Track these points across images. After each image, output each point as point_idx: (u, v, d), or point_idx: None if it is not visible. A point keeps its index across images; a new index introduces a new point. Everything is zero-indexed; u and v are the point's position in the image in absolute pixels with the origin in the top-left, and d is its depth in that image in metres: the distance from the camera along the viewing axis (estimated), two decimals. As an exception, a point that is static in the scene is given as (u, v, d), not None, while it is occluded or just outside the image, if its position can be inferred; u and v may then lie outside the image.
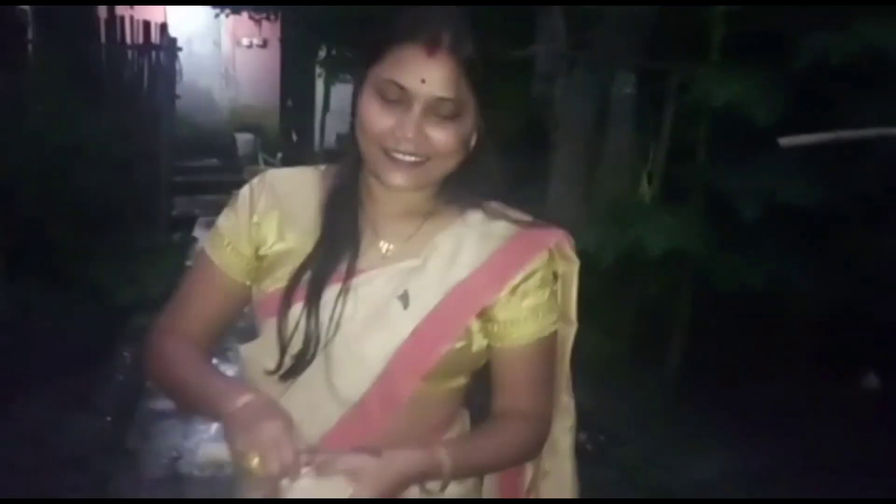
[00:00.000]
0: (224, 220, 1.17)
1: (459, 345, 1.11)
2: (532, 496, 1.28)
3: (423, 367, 1.10)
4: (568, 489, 1.28)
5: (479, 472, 1.19)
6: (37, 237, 4.51)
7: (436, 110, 1.03)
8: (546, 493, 1.28)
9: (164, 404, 3.55)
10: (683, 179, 3.49)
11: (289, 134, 10.01)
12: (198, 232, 6.70)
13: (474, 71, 1.03)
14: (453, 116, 1.04)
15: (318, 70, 8.13)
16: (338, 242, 1.11)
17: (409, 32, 1.02)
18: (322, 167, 1.20)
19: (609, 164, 3.77)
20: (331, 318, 1.08)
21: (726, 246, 3.29)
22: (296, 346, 1.09)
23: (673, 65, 3.49)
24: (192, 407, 1.12)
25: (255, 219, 1.14)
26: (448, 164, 1.08)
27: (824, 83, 3.02)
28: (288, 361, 1.09)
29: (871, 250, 3.24)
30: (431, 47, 1.01)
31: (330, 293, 1.09)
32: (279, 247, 1.13)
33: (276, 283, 1.12)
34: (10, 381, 3.41)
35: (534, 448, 1.20)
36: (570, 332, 1.22)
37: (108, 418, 3.32)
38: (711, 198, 3.37)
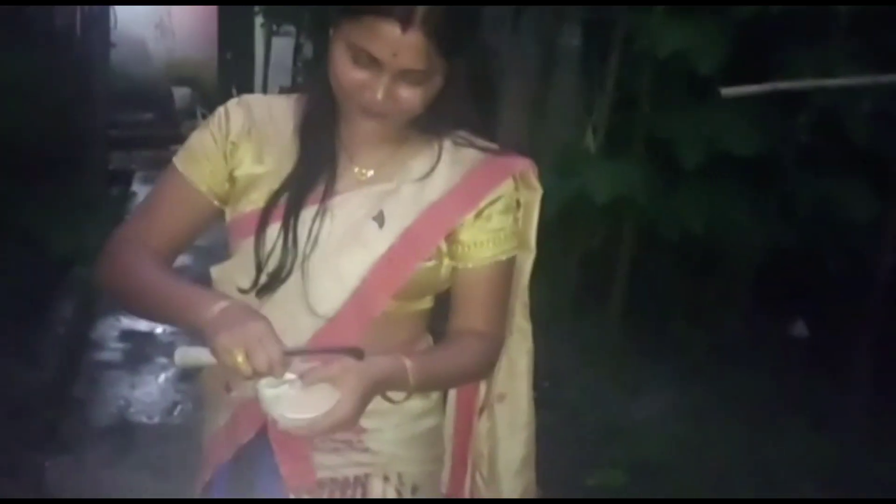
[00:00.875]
0: (197, 138, 1.19)
1: (430, 264, 1.16)
2: (485, 416, 1.32)
3: (396, 284, 1.14)
4: (524, 410, 1.33)
5: (439, 386, 1.24)
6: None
7: (405, 78, 1.06)
8: (503, 415, 1.33)
9: (110, 355, 3.52)
10: (627, 129, 3.55)
11: (228, 88, 9.74)
12: (136, 187, 6.55)
13: (446, 44, 1.05)
14: (424, 80, 1.07)
15: (258, 21, 7.94)
16: (314, 165, 1.14)
17: (385, 4, 1.02)
18: (294, 95, 1.22)
19: (554, 114, 3.81)
20: (308, 237, 1.12)
21: (669, 193, 3.38)
22: (272, 263, 1.12)
23: (618, 15, 3.53)
24: (156, 315, 1.15)
25: (232, 138, 1.16)
26: (416, 110, 1.11)
27: (765, 34, 3.10)
28: (264, 279, 1.12)
29: (807, 197, 3.37)
30: (405, 23, 1.01)
31: (307, 213, 1.13)
32: (255, 169, 1.16)
33: (252, 204, 1.15)
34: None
35: (487, 365, 1.25)
36: (528, 259, 1.27)
37: (53, 370, 3.26)
38: (655, 147, 3.44)
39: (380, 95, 1.06)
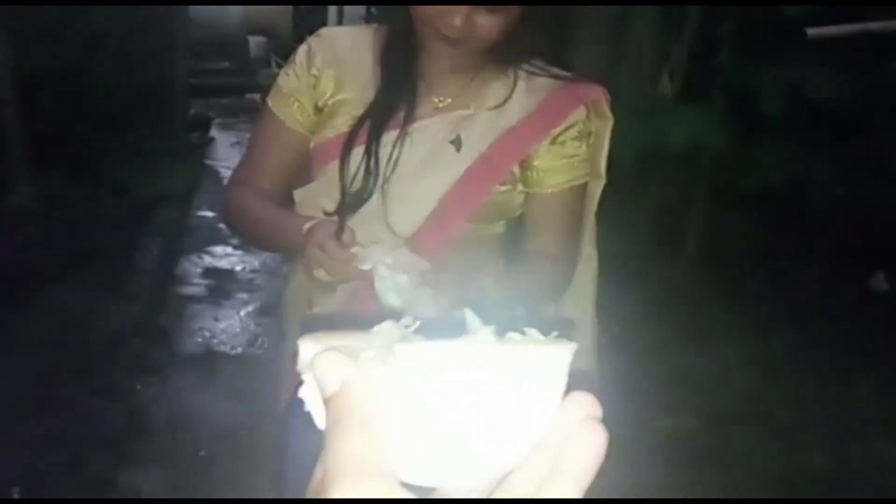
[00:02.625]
0: (284, 78, 1.25)
1: (505, 188, 1.20)
2: None
3: (472, 206, 1.18)
4: (590, 335, 1.37)
5: (522, 301, 1.26)
6: (60, 132, 4.55)
7: (484, 6, 1.08)
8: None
9: (193, 290, 3.68)
10: (706, 75, 3.47)
11: (302, 36, 9.77)
12: (214, 132, 6.72)
13: None
14: (500, 11, 1.09)
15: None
16: (395, 93, 1.18)
17: None
18: (374, 25, 1.26)
19: (631, 59, 3.74)
20: (388, 160, 1.17)
21: (748, 143, 3.31)
22: (356, 185, 1.17)
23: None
24: (269, 246, 1.26)
25: (314, 71, 1.21)
26: (495, 38, 1.13)
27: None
28: (348, 199, 1.18)
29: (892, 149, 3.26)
30: None
31: (388, 138, 1.17)
32: (338, 97, 1.21)
33: (336, 129, 1.20)
34: (42, 268, 3.52)
35: (561, 287, 1.29)
36: (598, 187, 1.30)
37: (142, 304, 3.43)
38: (734, 94, 3.36)
39: (458, 22, 1.08)
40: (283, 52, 9.54)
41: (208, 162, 5.71)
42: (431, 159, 1.18)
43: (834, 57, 3.01)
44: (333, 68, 1.21)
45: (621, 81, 3.78)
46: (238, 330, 3.31)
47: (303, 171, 1.27)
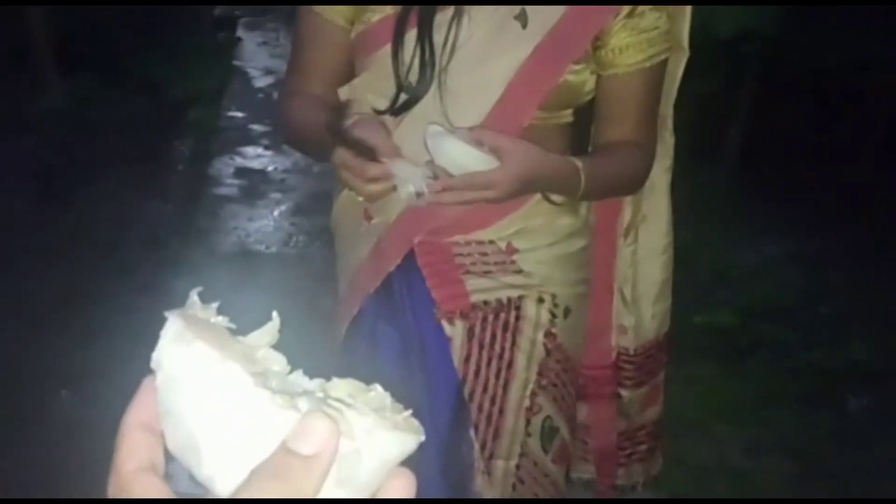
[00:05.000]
0: None
1: (579, 67, 1.07)
2: (630, 238, 1.28)
3: (544, 89, 1.06)
4: (664, 232, 1.29)
5: (605, 192, 1.19)
6: (90, 33, 4.48)
7: None
8: (645, 237, 1.28)
9: (227, 190, 3.66)
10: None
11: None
12: (241, 32, 6.58)
13: None
14: None
15: None
16: None
17: None
18: None
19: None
20: (445, 43, 1.04)
21: (801, 26, 3.13)
22: (411, 75, 1.05)
23: None
24: (321, 152, 1.09)
25: None
26: None
27: None
28: (403, 95, 1.06)
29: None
30: None
31: (443, 16, 1.05)
32: None
33: (381, 12, 1.07)
34: (76, 169, 3.51)
35: (643, 174, 1.19)
36: (681, 61, 1.20)
37: (177, 203, 3.43)
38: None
39: None
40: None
41: (236, 63, 5.61)
42: (494, 40, 1.05)
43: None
44: None
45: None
46: (272, 229, 3.30)
47: (347, 70, 1.17)
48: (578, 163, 1.05)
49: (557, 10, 1.05)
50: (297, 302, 2.15)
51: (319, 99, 1.13)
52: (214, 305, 0.38)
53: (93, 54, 4.44)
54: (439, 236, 1.12)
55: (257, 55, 5.75)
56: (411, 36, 1.05)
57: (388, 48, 1.06)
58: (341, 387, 0.35)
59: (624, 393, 1.33)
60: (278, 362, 0.37)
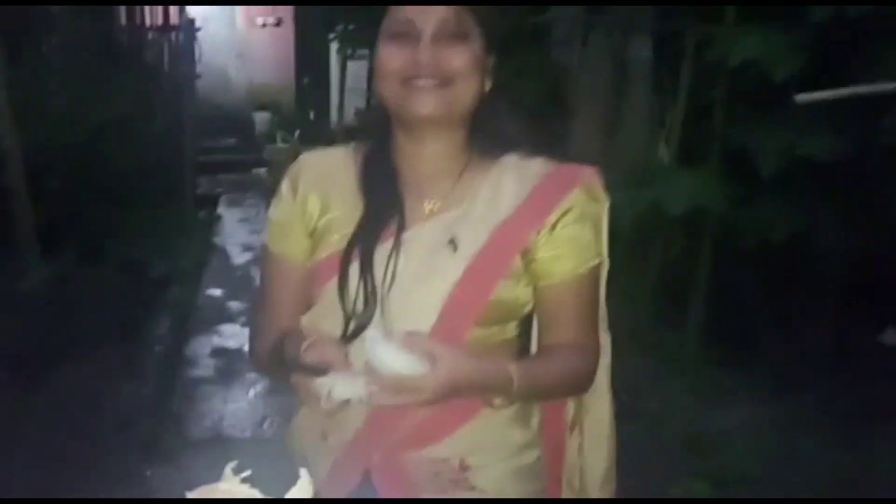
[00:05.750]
0: (273, 212, 1.24)
1: (508, 283, 1.15)
2: (576, 432, 1.32)
3: (477, 307, 1.13)
4: (607, 423, 1.32)
5: (542, 395, 1.22)
6: (71, 213, 4.64)
7: (444, 32, 1.10)
8: (588, 429, 1.31)
9: (203, 371, 3.69)
10: (702, 139, 3.53)
11: (306, 111, 10.06)
12: (222, 209, 6.83)
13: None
14: (462, 36, 1.11)
15: (333, 47, 8.16)
16: (382, 205, 1.16)
17: None
18: (351, 144, 1.26)
19: (627, 127, 3.82)
20: (385, 273, 1.13)
21: (747, 203, 3.34)
22: (358, 304, 1.13)
23: (688, 26, 3.52)
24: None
25: (300, 198, 1.20)
26: (467, 91, 1.13)
27: (839, 38, 3.05)
28: (352, 323, 1.13)
29: (892, 201, 3.28)
30: None
31: (382, 251, 1.14)
32: (326, 217, 1.19)
33: (329, 249, 1.17)
34: (53, 351, 3.55)
35: (586, 378, 1.22)
36: (603, 270, 1.25)
37: (152, 385, 3.45)
38: (730, 155, 3.41)
39: (425, 57, 1.09)
40: (288, 127, 9.79)
41: (216, 239, 5.79)
42: (429, 266, 1.14)
43: (824, 116, 3.07)
44: (317, 190, 1.19)
45: (619, 148, 3.86)
46: (248, 411, 3.31)
47: (311, 299, 1.23)
48: (513, 372, 1.09)
49: (485, 234, 1.14)
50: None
51: (283, 331, 1.20)
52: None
53: (75, 234, 4.59)
54: (394, 454, 1.17)
55: (237, 232, 5.95)
56: (355, 269, 1.14)
57: (335, 281, 1.15)
58: None
59: None
60: None
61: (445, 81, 1.12)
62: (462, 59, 1.12)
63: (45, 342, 3.63)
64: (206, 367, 3.71)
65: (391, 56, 1.12)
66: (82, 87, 5.10)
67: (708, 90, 3.47)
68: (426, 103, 1.12)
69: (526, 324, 1.23)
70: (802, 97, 2.51)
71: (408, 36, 1.11)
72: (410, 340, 1.03)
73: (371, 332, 1.04)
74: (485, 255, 1.14)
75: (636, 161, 3.66)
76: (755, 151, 3.20)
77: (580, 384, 1.24)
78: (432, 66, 1.10)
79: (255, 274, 4.24)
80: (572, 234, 1.16)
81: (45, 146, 4.60)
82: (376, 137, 1.21)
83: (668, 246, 3.72)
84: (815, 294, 3.80)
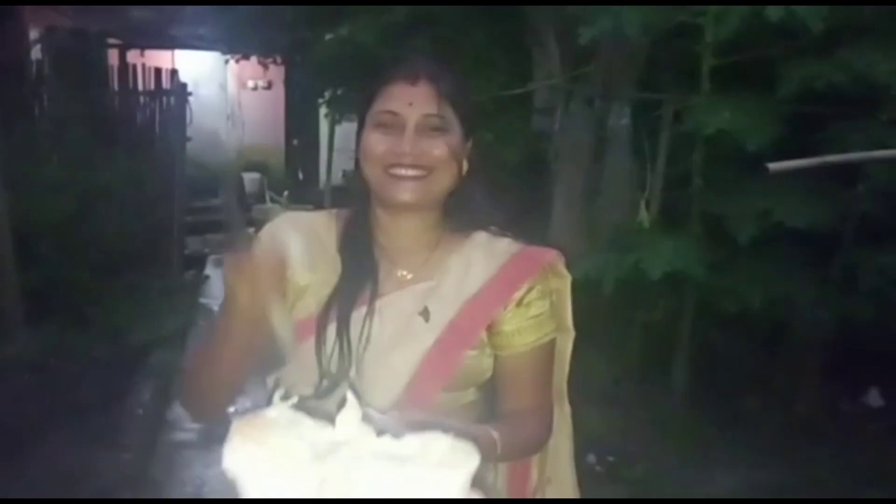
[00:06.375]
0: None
1: (475, 352, 1.24)
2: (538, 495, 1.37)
3: (446, 374, 1.21)
4: (569, 492, 1.39)
5: (515, 456, 1.27)
6: (56, 281, 4.65)
7: (426, 125, 1.19)
8: (552, 496, 1.37)
9: (184, 436, 3.66)
10: (680, 205, 3.60)
11: (295, 172, 10.19)
12: (209, 270, 6.82)
13: (452, 93, 1.22)
14: (442, 129, 1.20)
15: (322, 110, 8.30)
16: (359, 272, 1.24)
17: (394, 72, 1.22)
18: (333, 210, 1.33)
19: (608, 192, 3.90)
20: (360, 336, 1.20)
21: (725, 268, 3.39)
22: (332, 363, 1.20)
23: (666, 95, 3.63)
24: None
25: (274, 258, 1.20)
26: (445, 178, 1.22)
27: (811, 109, 3.15)
28: (326, 381, 1.19)
29: (868, 267, 3.34)
30: (414, 79, 1.20)
31: (358, 315, 1.21)
32: (303, 280, 1.23)
33: (306, 310, 1.23)
34: (35, 420, 3.52)
35: (545, 436, 1.31)
36: (569, 341, 1.35)
37: (133, 451, 3.41)
38: (708, 221, 3.48)
39: (407, 148, 1.18)
40: (277, 187, 9.89)
41: (203, 300, 5.78)
42: (402, 333, 1.21)
43: (800, 184, 3.14)
44: (297, 253, 1.21)
45: (600, 213, 3.93)
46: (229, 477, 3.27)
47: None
48: (496, 436, 1.13)
49: (455, 307, 1.23)
50: None
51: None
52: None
53: (60, 300, 4.59)
54: None
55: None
56: (331, 330, 1.20)
57: (311, 341, 1.20)
58: None
59: None
60: None
61: (426, 171, 1.20)
62: (442, 150, 1.20)
63: (28, 410, 3.60)
64: (187, 431, 3.68)
65: (377, 142, 1.21)
66: (72, 153, 5.16)
67: (686, 157, 3.56)
68: (406, 190, 1.20)
69: (484, 388, 1.29)
70: (774, 166, 2.58)
71: (393, 126, 1.20)
72: (396, 415, 1.05)
73: (349, 399, 1.04)
74: (454, 326, 1.22)
75: (617, 225, 3.72)
76: (731, 218, 3.27)
77: (540, 445, 1.32)
78: (414, 155, 1.19)
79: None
80: (535, 310, 1.26)
81: (34, 212, 4.63)
82: (357, 206, 1.28)
83: (650, 308, 3.75)
84: (797, 356, 3.83)
